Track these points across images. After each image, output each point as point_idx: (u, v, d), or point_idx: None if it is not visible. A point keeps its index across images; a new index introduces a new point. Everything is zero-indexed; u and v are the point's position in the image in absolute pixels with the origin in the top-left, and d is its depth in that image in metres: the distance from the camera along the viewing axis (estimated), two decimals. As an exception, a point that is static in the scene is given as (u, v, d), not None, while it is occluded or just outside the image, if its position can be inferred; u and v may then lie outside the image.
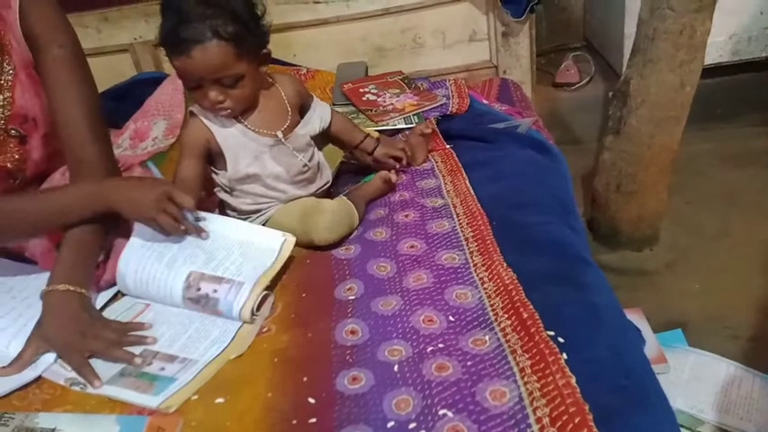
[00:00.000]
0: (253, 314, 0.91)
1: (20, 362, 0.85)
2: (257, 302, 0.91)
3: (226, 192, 1.09)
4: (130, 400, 0.79)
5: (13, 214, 0.93)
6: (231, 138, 1.04)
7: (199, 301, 0.93)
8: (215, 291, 0.92)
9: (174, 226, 0.93)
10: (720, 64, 2.00)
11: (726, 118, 2.02)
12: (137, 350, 0.87)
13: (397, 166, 1.21)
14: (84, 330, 0.86)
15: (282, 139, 1.06)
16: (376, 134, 1.31)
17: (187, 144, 1.05)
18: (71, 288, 0.89)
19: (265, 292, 0.93)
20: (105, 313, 0.95)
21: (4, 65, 0.99)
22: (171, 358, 0.85)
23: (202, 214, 0.99)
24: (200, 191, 1.06)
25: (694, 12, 1.33)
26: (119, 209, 0.93)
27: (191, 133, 1.04)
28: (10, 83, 1.00)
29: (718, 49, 1.96)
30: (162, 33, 0.96)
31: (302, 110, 1.13)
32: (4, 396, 0.82)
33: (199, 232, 0.96)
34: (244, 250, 0.97)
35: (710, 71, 1.85)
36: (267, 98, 1.07)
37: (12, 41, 0.99)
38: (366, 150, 1.20)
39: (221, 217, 1.04)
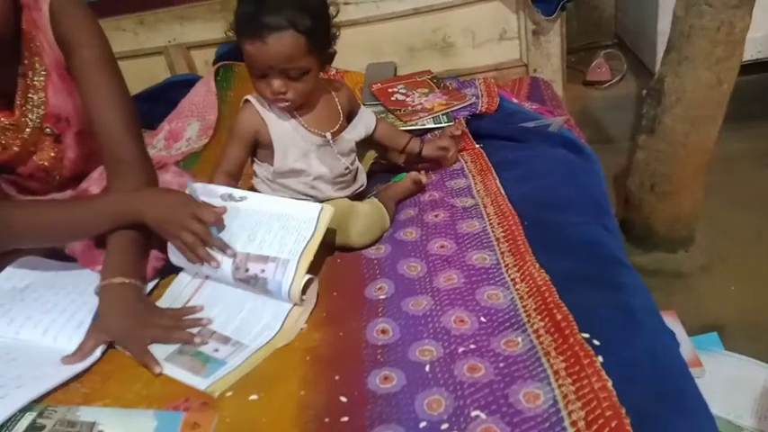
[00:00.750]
0: (302, 296, 0.92)
1: (80, 353, 0.88)
2: (303, 283, 0.92)
3: (266, 184, 1.11)
4: (183, 379, 0.82)
5: (42, 224, 0.96)
6: (283, 131, 1.06)
7: (249, 282, 0.95)
8: (263, 270, 0.93)
9: (197, 244, 0.94)
10: (759, 60, 1.94)
11: (765, 116, 1.96)
12: (194, 330, 0.90)
13: (450, 153, 1.23)
14: (142, 319, 0.90)
15: (330, 141, 1.08)
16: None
17: (238, 129, 1.07)
18: (126, 280, 0.92)
19: (309, 277, 0.94)
20: (166, 294, 1.00)
21: (37, 66, 1.02)
22: (225, 340, 0.89)
23: (239, 193, 1.00)
24: (240, 176, 1.10)
25: (733, 8, 1.30)
26: (148, 223, 0.95)
27: (244, 119, 1.07)
28: (43, 83, 1.03)
29: (756, 45, 1.90)
30: (238, 17, 0.98)
31: (350, 116, 1.16)
32: (62, 385, 0.84)
33: (223, 249, 0.96)
34: (283, 223, 0.97)
35: (749, 68, 1.80)
36: (323, 100, 1.10)
37: (44, 43, 1.02)
38: (413, 152, 1.21)
39: (257, 194, 1.05)
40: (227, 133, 1.12)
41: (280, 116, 1.06)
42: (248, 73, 1.03)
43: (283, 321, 0.91)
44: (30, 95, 1.02)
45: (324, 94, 1.10)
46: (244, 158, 1.09)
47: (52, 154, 1.07)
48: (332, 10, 1.03)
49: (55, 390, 0.83)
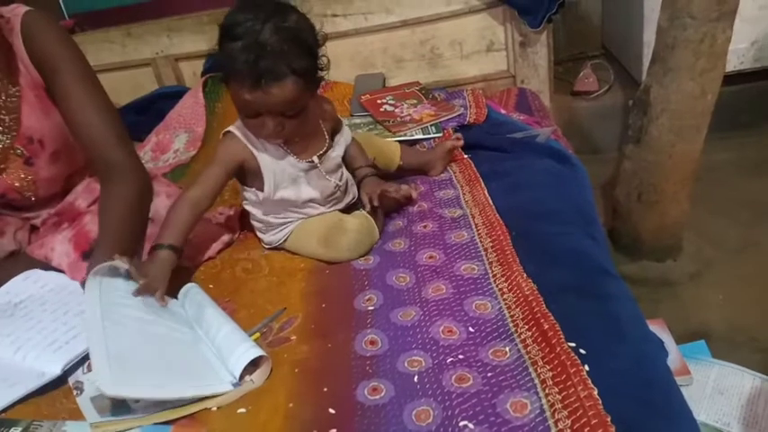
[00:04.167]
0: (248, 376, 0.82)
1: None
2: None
3: (256, 207, 1.10)
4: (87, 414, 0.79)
5: None
6: (271, 162, 1.04)
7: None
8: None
9: None
10: (742, 71, 1.97)
11: (749, 126, 1.99)
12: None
13: (368, 208, 1.10)
14: None
15: (318, 164, 1.06)
16: (397, 147, 1.31)
17: (222, 158, 1.03)
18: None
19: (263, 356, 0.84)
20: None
21: (9, 87, 1.02)
22: None
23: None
24: (209, 207, 1.05)
25: (714, 20, 1.32)
26: None
27: (228, 150, 1.03)
28: (16, 104, 1.02)
29: (739, 56, 1.93)
30: (231, 61, 0.91)
31: (333, 134, 1.13)
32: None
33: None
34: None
35: (732, 78, 1.83)
36: (311, 124, 1.07)
37: (18, 64, 1.02)
38: (356, 178, 1.16)
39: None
40: (209, 160, 1.07)
41: (266, 147, 1.03)
42: (237, 111, 0.99)
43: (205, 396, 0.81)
44: (1, 116, 1.01)
45: (314, 119, 1.07)
46: (221, 186, 1.05)
47: (22, 175, 1.06)
48: (320, 38, 0.98)
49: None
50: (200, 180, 1.03)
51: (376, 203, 1.08)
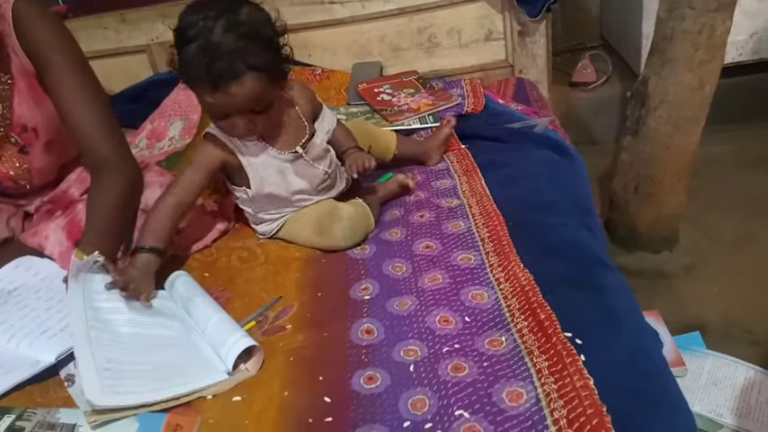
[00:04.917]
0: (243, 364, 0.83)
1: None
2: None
3: (248, 206, 1.09)
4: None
5: None
6: (254, 158, 1.03)
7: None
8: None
9: None
10: (741, 63, 1.96)
11: (747, 119, 1.99)
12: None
13: (354, 176, 1.11)
14: None
15: (303, 154, 1.05)
16: (393, 136, 1.30)
17: (202, 161, 1.02)
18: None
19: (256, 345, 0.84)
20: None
21: (1, 75, 1.00)
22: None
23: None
24: (192, 206, 1.05)
25: (714, 11, 1.31)
26: None
27: (208, 153, 1.02)
28: (8, 92, 1.01)
29: (738, 48, 1.92)
30: (187, 66, 0.90)
31: (315, 118, 1.12)
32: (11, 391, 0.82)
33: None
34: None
35: (731, 70, 1.82)
36: (284, 115, 1.05)
37: (9, 51, 1.00)
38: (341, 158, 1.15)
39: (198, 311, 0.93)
40: (189, 161, 1.06)
41: (247, 144, 1.02)
42: (207, 115, 0.97)
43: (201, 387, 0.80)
44: None
45: (285, 109, 1.05)
46: (203, 188, 1.04)
47: (17, 164, 1.06)
48: (278, 26, 0.96)
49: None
50: (181, 183, 1.02)
51: (360, 169, 1.05)
